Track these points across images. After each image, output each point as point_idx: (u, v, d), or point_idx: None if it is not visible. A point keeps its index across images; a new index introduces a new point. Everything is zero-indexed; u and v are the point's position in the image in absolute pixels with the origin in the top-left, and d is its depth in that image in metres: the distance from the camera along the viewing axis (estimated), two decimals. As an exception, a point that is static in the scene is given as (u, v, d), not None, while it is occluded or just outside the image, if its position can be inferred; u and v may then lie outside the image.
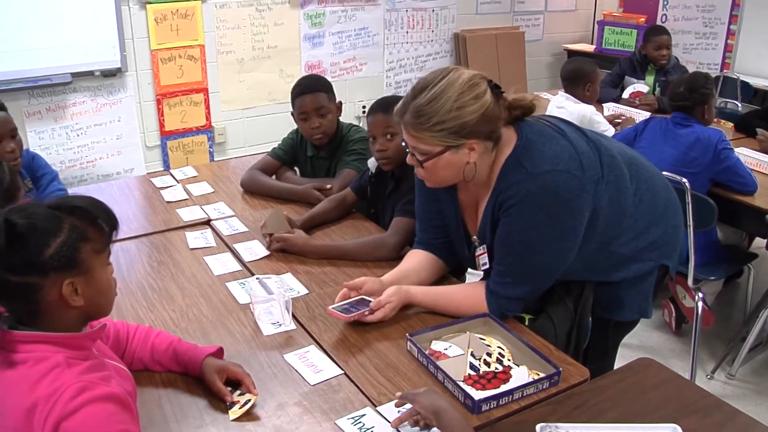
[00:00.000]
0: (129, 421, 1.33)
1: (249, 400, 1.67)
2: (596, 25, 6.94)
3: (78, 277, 1.35)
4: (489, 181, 1.96)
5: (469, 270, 2.41)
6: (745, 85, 5.49)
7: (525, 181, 1.87)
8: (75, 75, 4.68)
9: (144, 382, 1.75)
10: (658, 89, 4.97)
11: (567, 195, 1.87)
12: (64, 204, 1.38)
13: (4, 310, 1.38)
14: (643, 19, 6.49)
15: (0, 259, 1.28)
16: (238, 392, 1.70)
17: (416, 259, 2.24)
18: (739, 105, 5.24)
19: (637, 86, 4.96)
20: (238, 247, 2.53)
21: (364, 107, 5.93)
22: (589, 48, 6.95)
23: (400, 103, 1.91)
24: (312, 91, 2.98)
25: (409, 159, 1.96)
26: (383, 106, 2.56)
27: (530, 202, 1.87)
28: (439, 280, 2.25)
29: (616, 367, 2.31)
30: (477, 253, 2.08)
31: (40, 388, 1.28)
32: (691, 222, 3.13)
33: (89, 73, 4.76)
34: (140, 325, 1.83)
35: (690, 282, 3.30)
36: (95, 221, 1.39)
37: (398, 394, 1.63)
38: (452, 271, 2.34)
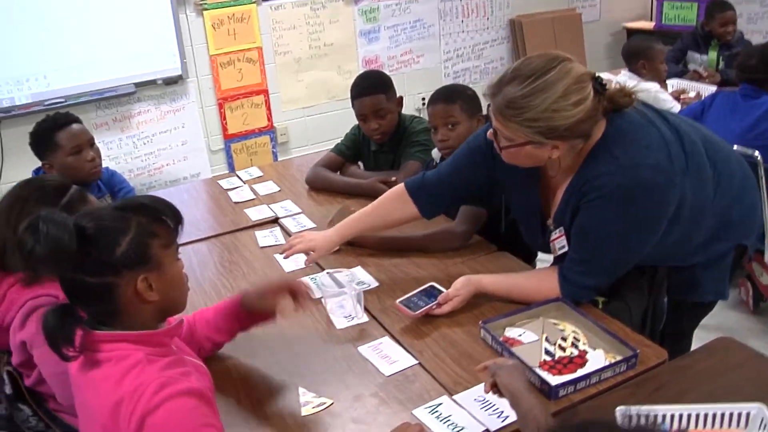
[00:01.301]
0: (210, 415, 1.36)
1: (324, 403, 1.69)
2: (655, 1, 6.77)
3: (151, 272, 1.39)
4: (573, 165, 1.91)
5: (540, 256, 2.38)
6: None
7: (614, 173, 1.81)
8: (138, 85, 4.80)
9: (222, 378, 1.79)
10: (722, 63, 4.83)
11: (656, 190, 1.81)
12: (128, 204, 1.44)
13: (84, 314, 1.42)
14: (703, -9, 6.32)
15: (75, 262, 1.32)
16: (313, 394, 1.72)
17: (388, 206, 2.31)
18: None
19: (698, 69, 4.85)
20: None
21: (423, 99, 5.92)
22: (649, 25, 6.79)
23: (497, 79, 1.82)
24: (370, 93, 2.97)
25: (489, 134, 1.92)
26: (443, 96, 2.55)
27: (618, 195, 1.81)
28: (505, 267, 2.24)
29: (693, 348, 2.26)
30: (553, 237, 2.03)
31: (124, 384, 1.31)
32: (765, 196, 3.04)
33: (152, 82, 4.88)
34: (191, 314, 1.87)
35: (767, 258, 3.21)
36: (160, 217, 1.43)
37: (480, 366, 1.61)
38: (525, 258, 2.33)
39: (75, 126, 2.86)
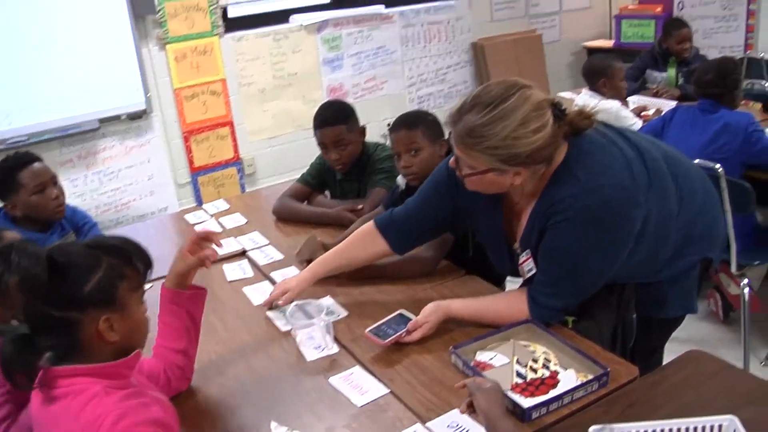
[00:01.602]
0: None
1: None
2: (613, 20, 6.90)
3: (114, 313, 1.40)
4: (535, 189, 1.92)
5: (509, 278, 2.39)
6: (771, 64, 5.41)
7: (577, 195, 1.82)
8: (102, 120, 4.76)
9: (192, 414, 1.78)
10: (681, 79, 4.92)
11: (620, 209, 1.84)
12: (101, 243, 1.45)
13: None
14: (659, 9, 6.45)
15: (43, 293, 1.33)
16: (285, 428, 1.70)
17: (363, 236, 2.30)
18: (766, 84, 5.15)
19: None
20: (275, 275, 2.55)
21: (388, 125, 5.91)
22: (608, 43, 6.91)
23: (457, 108, 1.84)
24: (330, 124, 2.97)
25: (451, 162, 1.94)
26: (404, 123, 2.56)
27: (583, 217, 1.83)
28: (473, 291, 2.24)
29: (665, 362, 2.27)
30: (521, 261, 2.04)
31: (82, 417, 1.32)
32: (728, 208, 3.08)
33: (116, 118, 4.84)
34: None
35: (733, 269, 3.25)
36: (131, 260, 1.45)
37: (460, 383, 1.61)
38: (493, 281, 2.34)
39: (37, 164, 2.83)
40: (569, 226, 1.84)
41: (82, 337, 1.39)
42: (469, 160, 1.84)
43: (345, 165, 3.04)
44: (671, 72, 4.99)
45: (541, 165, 1.85)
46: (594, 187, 1.82)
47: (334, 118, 3.00)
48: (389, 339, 1.96)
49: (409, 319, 2.01)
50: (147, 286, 1.52)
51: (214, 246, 1.91)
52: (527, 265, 2.02)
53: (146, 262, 1.48)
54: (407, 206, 2.27)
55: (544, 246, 1.92)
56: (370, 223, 2.31)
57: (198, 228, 3.11)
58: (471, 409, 1.55)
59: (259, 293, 2.41)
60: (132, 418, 1.32)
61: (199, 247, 1.87)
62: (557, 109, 1.81)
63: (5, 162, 2.84)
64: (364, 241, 2.31)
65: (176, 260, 1.85)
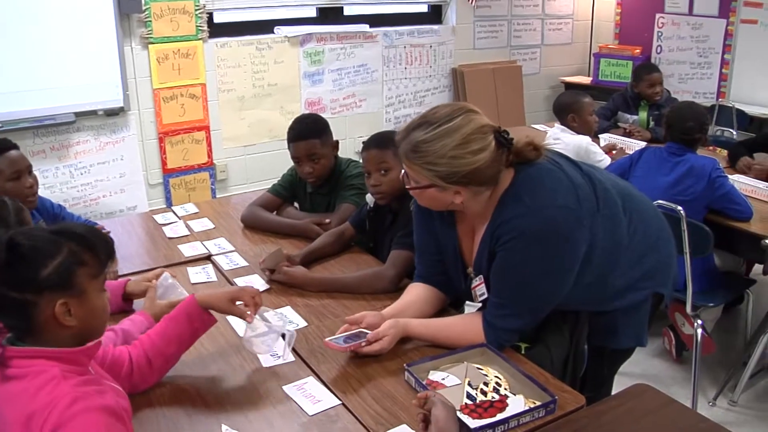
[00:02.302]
0: None
1: None
2: (592, 58, 7.02)
3: (72, 298, 1.42)
4: (486, 212, 1.99)
5: (468, 302, 2.43)
6: (741, 114, 5.54)
7: (524, 216, 1.90)
8: (78, 114, 4.74)
9: (145, 413, 1.78)
10: (652, 122, 5.01)
11: (565, 229, 1.90)
12: (65, 230, 1.48)
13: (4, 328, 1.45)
14: (638, 51, 6.57)
15: (0, 274, 1.37)
16: None
17: (416, 292, 2.26)
18: (735, 133, 5.28)
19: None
20: (238, 281, 2.56)
21: (363, 143, 5.97)
22: (586, 80, 7.03)
23: (405, 126, 1.94)
24: (304, 138, 3.01)
25: (401, 176, 2.01)
26: (377, 142, 2.61)
27: (529, 237, 1.90)
28: (439, 312, 2.26)
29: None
30: (473, 285, 2.10)
31: (38, 398, 1.34)
32: (687, 249, 3.16)
33: (92, 113, 4.83)
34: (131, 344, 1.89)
35: (688, 309, 3.32)
36: (93, 247, 1.47)
37: (422, 393, 1.61)
38: (451, 303, 2.36)
39: (14, 152, 2.83)
40: (515, 245, 1.91)
41: (39, 319, 1.40)
42: (412, 173, 1.93)
43: (317, 178, 3.08)
44: (642, 115, 5.08)
45: (482, 187, 1.92)
46: (538, 208, 1.90)
47: (308, 132, 3.03)
48: (348, 345, 1.99)
49: (368, 334, 2.04)
50: (123, 279, 1.56)
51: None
52: (479, 289, 2.08)
53: (108, 251, 1.51)
54: (416, 246, 2.29)
55: (494, 268, 1.99)
56: (415, 284, 2.29)
57: (166, 229, 3.13)
58: (424, 425, 1.57)
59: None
60: (86, 402, 1.34)
61: (247, 299, 1.95)
62: (502, 137, 1.89)
63: None
64: (422, 297, 2.26)
65: (227, 293, 1.94)
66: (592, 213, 1.96)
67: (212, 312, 1.95)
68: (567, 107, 4.33)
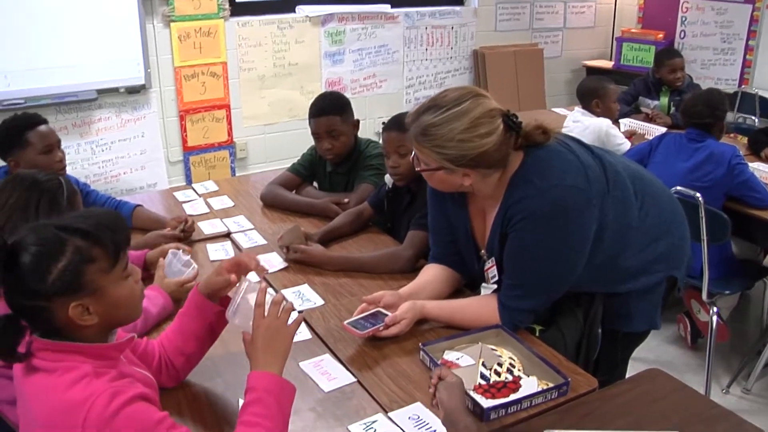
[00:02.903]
0: (158, 411, 1.39)
1: None
2: (615, 42, 6.97)
3: (85, 298, 1.37)
4: (497, 194, 2.01)
5: (484, 284, 2.45)
6: (764, 101, 5.48)
7: (534, 196, 1.92)
8: (100, 92, 4.80)
9: (164, 391, 1.79)
10: (673, 108, 4.98)
11: (575, 208, 1.92)
12: (71, 225, 1.39)
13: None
14: (661, 36, 6.51)
15: (8, 285, 1.34)
16: None
17: (432, 272, 2.28)
18: (757, 120, 5.24)
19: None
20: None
21: (383, 123, 5.97)
22: (608, 64, 6.98)
23: (415, 109, 1.96)
24: (325, 114, 3.03)
25: (411, 158, 2.04)
26: (397, 124, 2.61)
27: (539, 216, 1.92)
28: (455, 293, 2.29)
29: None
30: (486, 267, 2.13)
31: (71, 395, 1.32)
32: (704, 236, 3.16)
33: (114, 90, 4.88)
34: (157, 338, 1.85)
35: (704, 296, 3.32)
36: (100, 242, 1.39)
37: (435, 371, 1.65)
38: (468, 284, 2.38)
39: (44, 126, 2.87)
40: (526, 225, 1.94)
41: (57, 322, 1.37)
42: (422, 156, 1.95)
43: (336, 156, 3.10)
44: (664, 101, 5.05)
45: (490, 170, 1.95)
46: (548, 188, 1.92)
47: (330, 107, 3.06)
48: (367, 331, 2.01)
49: (386, 316, 2.06)
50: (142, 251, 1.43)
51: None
52: (491, 272, 2.11)
53: (118, 240, 1.43)
54: (429, 227, 2.32)
55: (507, 249, 2.01)
56: (431, 265, 2.31)
57: (186, 207, 3.16)
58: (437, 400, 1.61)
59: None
60: (124, 395, 1.33)
61: (238, 268, 1.79)
62: (511, 120, 1.91)
63: (14, 120, 2.87)
64: (437, 277, 2.29)
65: (214, 271, 1.80)
66: (602, 194, 1.98)
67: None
68: (593, 92, 4.31)
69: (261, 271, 1.84)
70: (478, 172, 1.93)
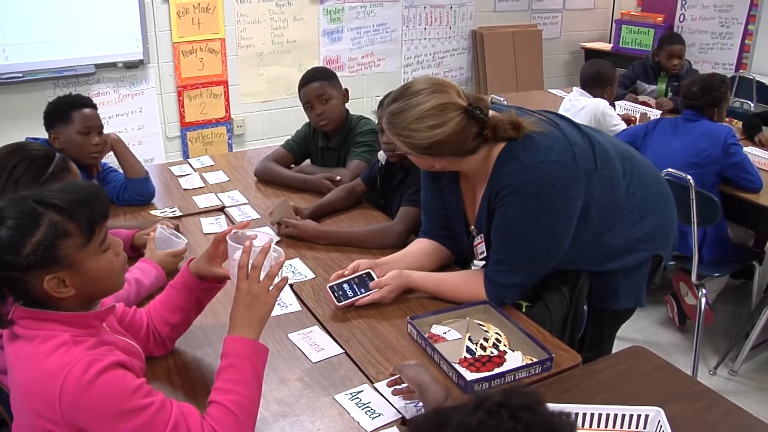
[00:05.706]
0: (137, 379, 1.38)
1: None
2: (614, 24, 6.96)
3: (60, 271, 1.37)
4: (484, 171, 2.03)
5: (474, 261, 2.48)
6: (761, 86, 5.50)
7: (519, 172, 1.94)
8: (98, 66, 4.80)
9: (154, 359, 1.83)
10: (670, 93, 4.98)
11: (560, 184, 1.94)
12: (47, 199, 1.39)
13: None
14: (660, 19, 6.51)
15: None
16: None
17: (418, 246, 2.32)
18: (752, 105, 5.25)
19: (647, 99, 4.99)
20: (250, 233, 2.60)
21: (379, 101, 5.98)
22: (607, 47, 6.98)
23: (392, 95, 2.02)
24: (313, 80, 3.10)
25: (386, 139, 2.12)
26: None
27: (524, 191, 1.95)
28: (444, 269, 2.31)
29: (611, 355, 2.37)
30: (475, 243, 2.16)
31: (49, 362, 1.33)
32: (695, 218, 3.18)
33: (112, 65, 4.89)
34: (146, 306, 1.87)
35: (693, 278, 3.35)
36: (74, 217, 1.38)
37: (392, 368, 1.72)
38: (457, 261, 2.40)
39: (89, 110, 2.90)
40: (512, 200, 1.97)
41: (34, 292, 1.38)
42: (392, 140, 2.03)
43: (329, 121, 3.13)
44: (661, 86, 5.05)
45: (456, 158, 1.99)
46: (533, 164, 1.94)
47: (317, 74, 3.16)
48: (344, 302, 2.07)
49: (373, 280, 2.10)
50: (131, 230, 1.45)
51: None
52: (480, 247, 2.14)
53: (93, 215, 1.41)
54: (422, 202, 2.36)
55: (494, 224, 2.04)
56: (419, 239, 2.36)
57: (181, 181, 3.19)
58: (410, 392, 1.65)
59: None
60: (101, 362, 1.33)
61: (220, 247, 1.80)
62: (474, 114, 1.92)
63: (67, 98, 2.93)
64: (422, 249, 2.33)
65: (204, 254, 1.81)
66: (588, 171, 2.00)
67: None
68: (606, 79, 4.26)
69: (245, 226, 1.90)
70: (441, 159, 1.99)
